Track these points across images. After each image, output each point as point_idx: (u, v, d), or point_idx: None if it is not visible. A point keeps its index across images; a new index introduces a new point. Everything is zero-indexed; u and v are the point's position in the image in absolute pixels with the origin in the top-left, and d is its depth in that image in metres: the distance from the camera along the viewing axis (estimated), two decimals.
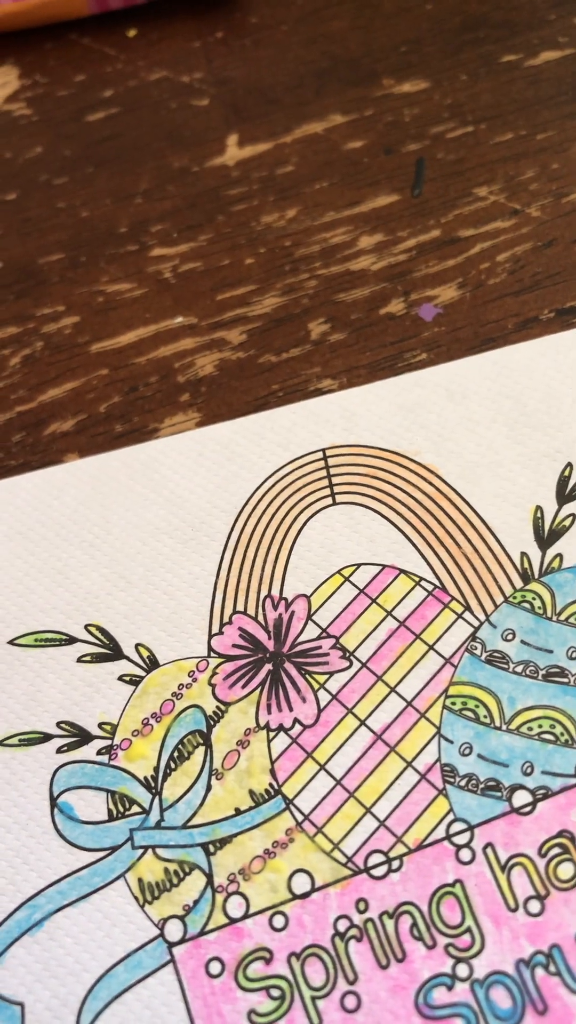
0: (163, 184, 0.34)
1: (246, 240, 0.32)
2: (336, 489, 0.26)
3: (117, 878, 0.22)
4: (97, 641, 0.25)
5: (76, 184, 0.35)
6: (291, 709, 0.23)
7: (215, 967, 0.21)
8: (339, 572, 0.25)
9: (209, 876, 0.22)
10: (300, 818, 0.22)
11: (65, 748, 0.23)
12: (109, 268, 0.32)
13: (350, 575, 0.25)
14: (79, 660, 0.25)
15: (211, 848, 0.22)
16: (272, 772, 0.22)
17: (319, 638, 0.24)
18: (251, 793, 0.22)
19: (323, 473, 0.26)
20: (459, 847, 0.21)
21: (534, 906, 0.20)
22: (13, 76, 0.38)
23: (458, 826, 0.21)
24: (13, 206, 0.34)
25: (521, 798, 0.21)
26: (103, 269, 0.32)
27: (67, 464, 0.28)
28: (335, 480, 0.26)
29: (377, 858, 0.21)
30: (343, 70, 0.36)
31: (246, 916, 0.21)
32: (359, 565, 0.25)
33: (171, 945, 0.21)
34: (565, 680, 0.23)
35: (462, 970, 0.20)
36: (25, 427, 0.29)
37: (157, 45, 0.38)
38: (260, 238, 0.32)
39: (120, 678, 0.24)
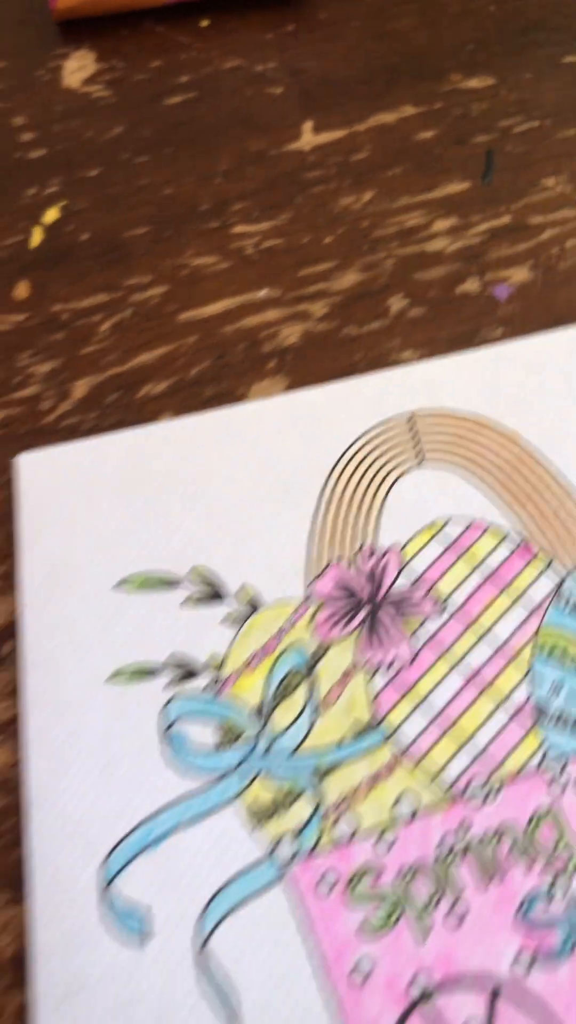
0: (242, 166, 0.36)
1: (324, 220, 0.34)
2: (425, 450, 0.28)
3: (228, 803, 0.23)
4: (200, 585, 0.26)
5: (157, 163, 0.36)
6: (388, 650, 0.25)
7: (326, 884, 0.22)
8: (429, 526, 0.26)
9: (317, 801, 0.23)
10: (401, 749, 0.23)
11: (174, 683, 0.25)
12: (193, 243, 0.34)
13: (440, 529, 0.26)
14: (183, 603, 0.26)
15: (318, 775, 0.23)
16: (372, 707, 0.24)
17: (412, 587, 0.26)
18: (353, 726, 0.24)
19: (410, 436, 0.28)
20: (552, 778, 0.23)
21: None
22: (90, 60, 0.40)
23: (551, 759, 0.23)
24: (96, 182, 0.36)
25: None
26: (187, 243, 0.34)
27: (165, 422, 0.29)
28: (424, 442, 0.28)
29: (476, 787, 0.23)
30: (412, 65, 0.38)
31: (354, 838, 0.22)
32: (449, 520, 0.27)
33: (283, 864, 0.22)
34: None
35: (560, 887, 0.22)
36: (119, 388, 0.31)
37: (230, 35, 0.40)
38: (338, 219, 0.34)
39: (223, 619, 0.26)
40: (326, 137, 0.37)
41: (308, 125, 0.37)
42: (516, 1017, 0.20)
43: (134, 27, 0.41)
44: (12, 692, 0.26)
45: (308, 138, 0.37)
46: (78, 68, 0.40)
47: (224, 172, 0.36)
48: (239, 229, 0.34)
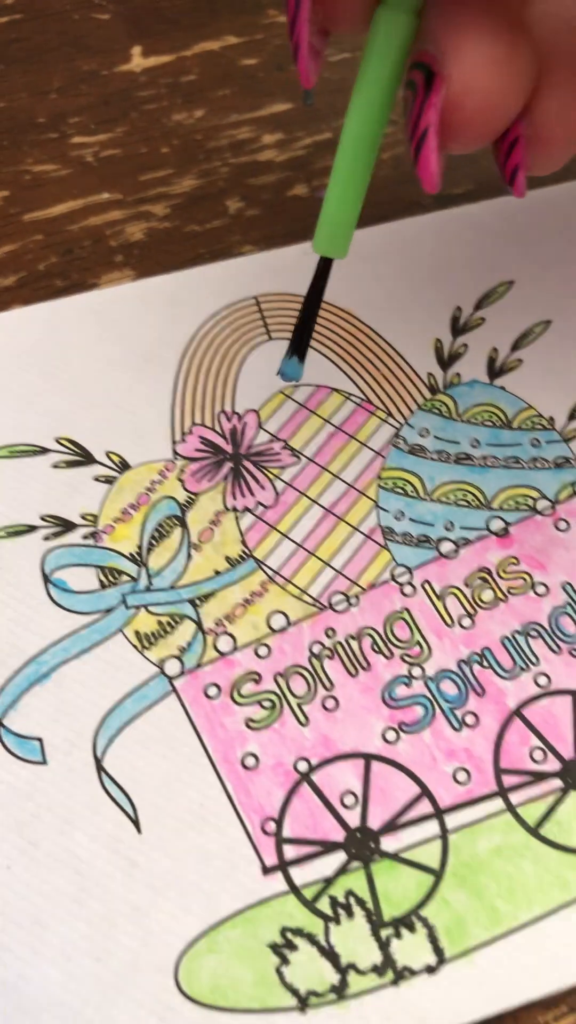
0: (75, 84, 0.37)
1: (160, 133, 0.36)
2: (271, 328, 0.30)
3: (115, 633, 0.24)
4: (69, 450, 0.27)
5: None
6: (253, 495, 0.27)
7: (213, 691, 0.24)
8: (281, 392, 0.29)
9: (199, 623, 0.25)
10: (271, 574, 0.26)
11: (51, 536, 0.26)
12: (32, 152, 0.35)
13: (291, 394, 0.29)
14: (54, 467, 0.27)
15: (197, 602, 0.25)
16: (243, 542, 0.26)
17: (270, 441, 0.28)
18: (227, 559, 0.26)
19: (258, 316, 0.30)
20: (402, 585, 0.26)
21: (466, 622, 0.25)
22: None
23: (400, 570, 0.26)
24: None
25: (447, 547, 0.26)
26: (27, 152, 0.35)
27: (20, 309, 0.30)
28: (269, 321, 0.30)
29: (338, 598, 0.25)
30: (231, 1, 0.41)
31: (235, 650, 0.25)
32: (297, 385, 0.29)
33: (172, 679, 0.24)
34: (471, 462, 0.28)
35: (416, 672, 0.25)
36: None
37: None
38: (173, 132, 0.36)
39: (96, 479, 0.27)
40: (155, 61, 0.38)
41: (137, 50, 0.39)
42: (387, 779, 0.23)
43: None
44: None
45: (138, 61, 0.38)
46: None
47: (58, 89, 0.37)
48: (77, 140, 0.35)
